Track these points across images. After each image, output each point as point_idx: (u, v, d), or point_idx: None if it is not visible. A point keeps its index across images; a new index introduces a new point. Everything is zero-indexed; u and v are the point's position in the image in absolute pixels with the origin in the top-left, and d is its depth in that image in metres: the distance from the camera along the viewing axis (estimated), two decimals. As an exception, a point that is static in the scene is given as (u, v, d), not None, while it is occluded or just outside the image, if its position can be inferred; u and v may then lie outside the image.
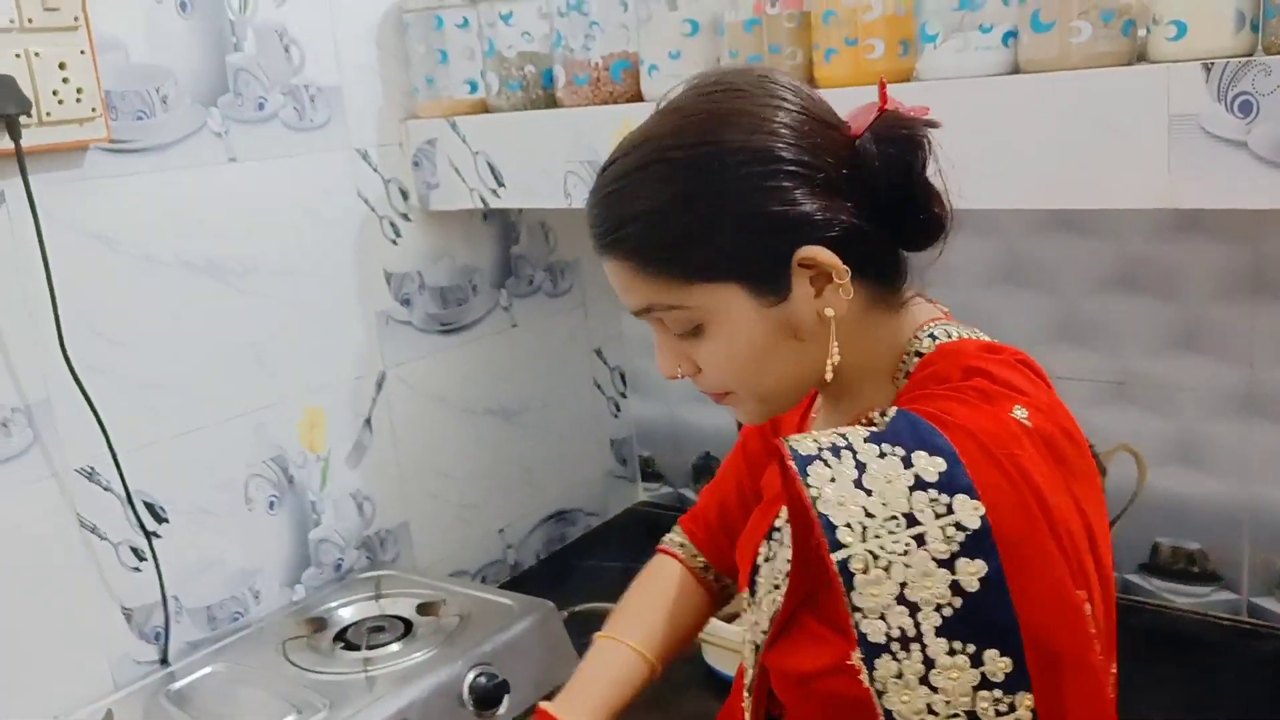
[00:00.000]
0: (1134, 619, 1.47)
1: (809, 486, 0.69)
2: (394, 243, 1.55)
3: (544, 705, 0.97)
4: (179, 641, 1.31)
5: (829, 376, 0.80)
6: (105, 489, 1.24)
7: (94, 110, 1.18)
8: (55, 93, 1.14)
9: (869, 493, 0.69)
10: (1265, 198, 0.93)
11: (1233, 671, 1.37)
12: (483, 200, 1.49)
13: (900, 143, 0.78)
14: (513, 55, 1.43)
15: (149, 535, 1.27)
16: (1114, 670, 0.80)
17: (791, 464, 0.70)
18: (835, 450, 0.71)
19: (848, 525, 0.68)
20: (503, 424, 1.72)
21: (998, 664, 0.67)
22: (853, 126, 0.79)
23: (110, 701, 1.21)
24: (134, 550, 1.27)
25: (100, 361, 1.22)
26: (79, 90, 1.16)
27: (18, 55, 1.11)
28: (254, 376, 1.39)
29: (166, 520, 1.30)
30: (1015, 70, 1.07)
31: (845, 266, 0.77)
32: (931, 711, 0.67)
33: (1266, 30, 0.95)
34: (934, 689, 0.67)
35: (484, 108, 1.49)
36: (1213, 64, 0.93)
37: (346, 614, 1.39)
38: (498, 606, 1.37)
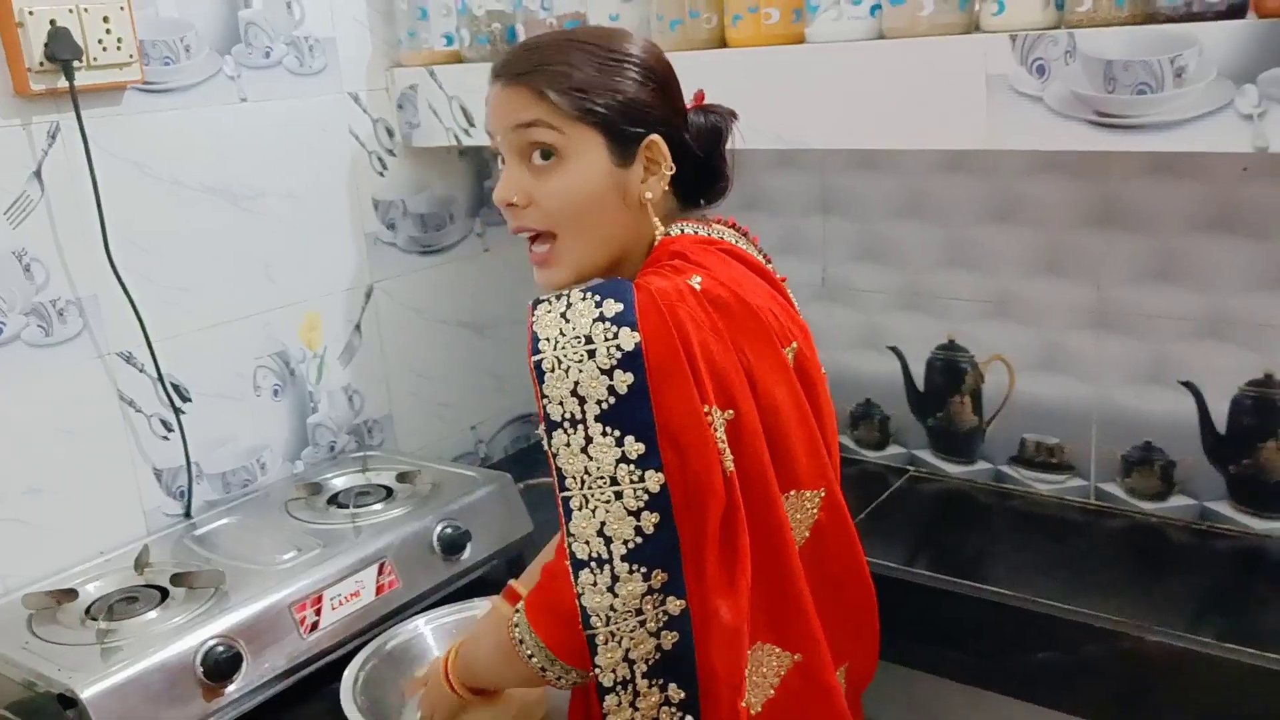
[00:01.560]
0: (1007, 503, 1.72)
1: (534, 314, 0.98)
2: (381, 174, 1.80)
3: (512, 582, 1.25)
4: (199, 500, 1.59)
5: (656, 241, 1.07)
6: (140, 370, 1.50)
7: (131, 57, 1.43)
8: (100, 41, 1.39)
9: (566, 320, 0.96)
10: (1056, 141, 1.19)
11: (1084, 544, 1.59)
12: (457, 138, 1.74)
13: (713, 118, 1.10)
14: (482, 14, 1.68)
15: (176, 411, 1.54)
16: (832, 484, 1.08)
17: (530, 303, 0.99)
18: (559, 296, 0.99)
19: (546, 339, 0.96)
20: (475, 336, 1.99)
21: (634, 447, 0.94)
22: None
23: (144, 542, 1.49)
24: (163, 422, 1.54)
25: (137, 265, 1.48)
26: (119, 40, 1.41)
27: (70, 10, 1.36)
28: (261, 284, 1.65)
29: (190, 400, 1.56)
30: (880, 36, 1.32)
31: (672, 166, 1.06)
32: (587, 473, 0.95)
33: (1067, 8, 1.20)
34: (590, 458, 0.95)
35: (458, 58, 1.74)
36: (1017, 35, 1.18)
37: (338, 482, 1.66)
38: (464, 478, 1.64)
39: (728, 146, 1.12)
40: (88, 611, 1.33)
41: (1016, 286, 1.67)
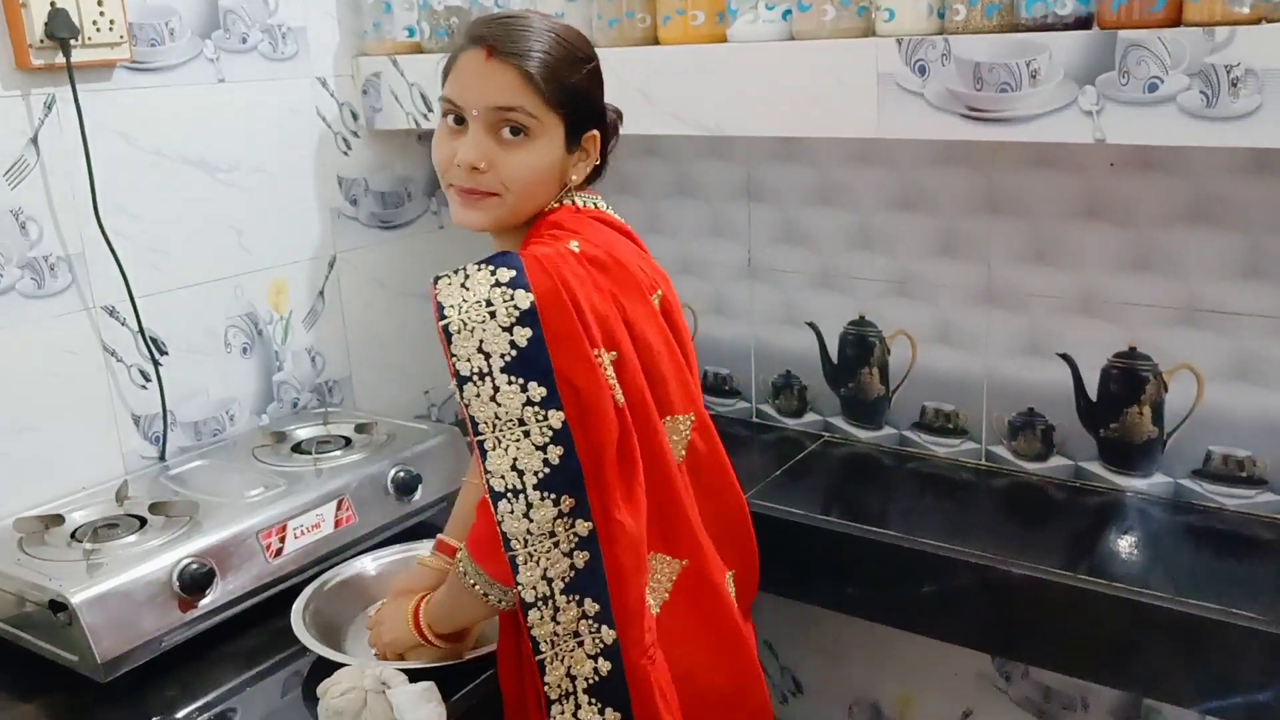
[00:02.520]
0: (909, 465, 1.91)
1: (436, 288, 1.13)
2: (345, 154, 1.96)
3: (440, 535, 1.41)
4: (173, 446, 1.74)
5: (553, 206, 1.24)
6: (122, 324, 1.65)
7: (121, 37, 1.58)
8: (94, 22, 1.54)
9: (466, 289, 1.12)
10: (934, 131, 1.38)
11: (978, 501, 1.78)
12: (416, 122, 1.91)
13: (611, 117, 1.26)
14: (441, 9, 1.84)
15: (154, 362, 1.69)
16: (700, 409, 1.27)
17: (432, 279, 1.14)
18: (456, 270, 1.14)
19: (451, 305, 1.11)
20: (430, 306, 2.14)
21: (537, 391, 1.10)
22: None
23: (124, 478, 1.64)
24: (142, 372, 1.69)
25: (122, 227, 1.63)
26: (111, 21, 1.56)
27: (68, -6, 1.51)
28: (233, 250, 1.80)
29: (166, 353, 1.71)
30: (790, 38, 1.51)
31: (598, 158, 1.23)
32: (496, 417, 1.11)
33: (946, 17, 1.39)
34: (499, 404, 1.11)
35: (419, 49, 1.91)
36: (903, 40, 1.37)
37: (302, 432, 1.82)
38: (417, 430, 1.80)
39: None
40: (74, 535, 1.47)
41: (917, 267, 1.85)
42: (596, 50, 1.24)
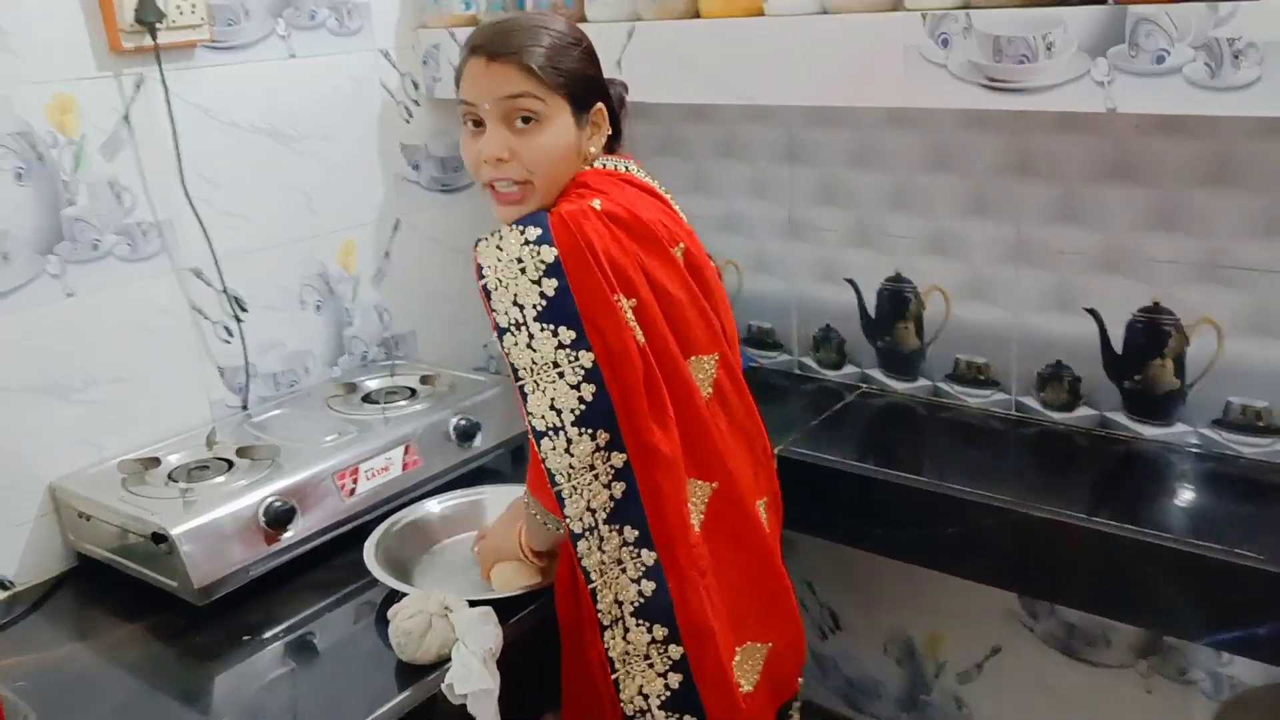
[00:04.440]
0: (942, 414, 1.99)
1: (476, 250, 1.25)
2: (407, 122, 2.08)
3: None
4: (254, 395, 1.89)
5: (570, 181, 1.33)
6: (207, 285, 1.80)
7: (202, 19, 1.70)
8: (178, 6, 1.66)
9: (500, 250, 1.24)
10: (956, 100, 1.46)
11: (1008, 448, 1.87)
12: (473, 91, 2.01)
13: (618, 89, 1.36)
14: (496, -16, 1.95)
15: (237, 319, 1.83)
16: (724, 349, 1.36)
17: (473, 243, 1.26)
18: (492, 233, 1.26)
19: (488, 265, 1.24)
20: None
21: (567, 334, 1.23)
22: None
23: (212, 425, 1.79)
24: (226, 329, 1.83)
25: (205, 195, 1.77)
26: (193, 5, 1.68)
27: (154, -19, 1.64)
28: (305, 214, 1.94)
29: (247, 310, 1.86)
30: (824, 11, 1.59)
31: (609, 129, 1.33)
32: (533, 363, 1.23)
33: (964, -10, 1.46)
34: (534, 350, 1.23)
35: (475, 21, 2.01)
36: (927, 14, 1.45)
37: (371, 383, 1.96)
38: (477, 381, 1.93)
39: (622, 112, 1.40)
40: (170, 475, 1.63)
41: (950, 226, 1.93)
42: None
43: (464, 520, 1.67)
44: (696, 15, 1.71)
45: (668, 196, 1.43)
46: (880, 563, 1.92)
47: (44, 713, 1.33)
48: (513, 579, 1.46)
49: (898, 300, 2.03)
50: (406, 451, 1.73)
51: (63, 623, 1.55)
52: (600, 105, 1.33)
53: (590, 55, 1.33)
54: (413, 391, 1.90)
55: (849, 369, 2.14)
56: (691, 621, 1.29)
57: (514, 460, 1.88)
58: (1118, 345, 1.80)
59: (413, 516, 1.67)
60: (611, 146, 1.40)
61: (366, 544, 1.56)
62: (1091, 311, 1.81)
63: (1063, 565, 1.62)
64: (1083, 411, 1.87)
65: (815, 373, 2.19)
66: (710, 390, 1.36)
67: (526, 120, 1.27)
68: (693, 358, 1.33)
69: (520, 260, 1.23)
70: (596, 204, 1.27)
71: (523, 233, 1.24)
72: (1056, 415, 1.90)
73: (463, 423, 1.80)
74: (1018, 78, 1.40)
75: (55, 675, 1.41)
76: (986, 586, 1.75)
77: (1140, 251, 1.73)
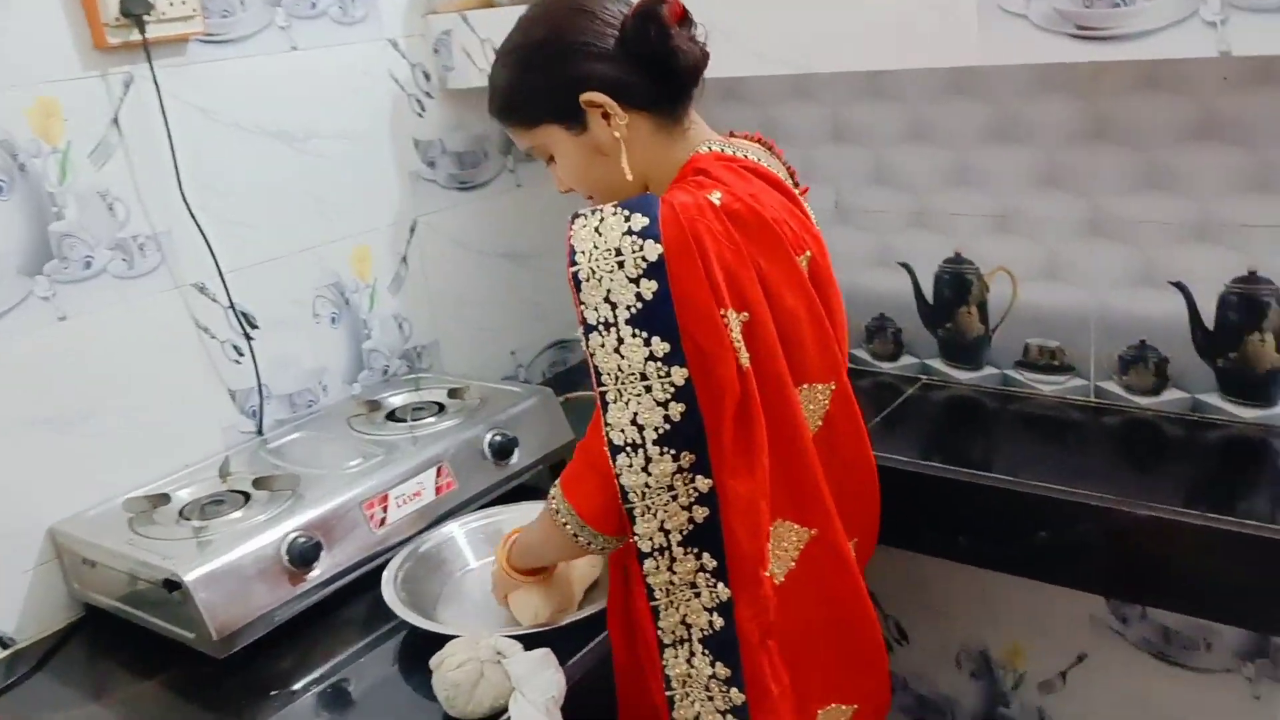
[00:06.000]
0: (1012, 405, 1.85)
1: (571, 229, 1.10)
2: (420, 115, 1.93)
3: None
4: (269, 418, 1.74)
5: (629, 178, 1.19)
6: (213, 300, 1.65)
7: (194, 10, 1.56)
8: (167, -3, 1.52)
9: (599, 234, 1.08)
10: (1041, 54, 1.30)
11: (1085, 438, 1.73)
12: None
13: (638, 19, 1.16)
14: (511, -39, 1.80)
15: (246, 337, 1.69)
16: (841, 378, 1.22)
17: (570, 218, 1.11)
18: (593, 212, 1.10)
19: (582, 252, 1.08)
20: (513, 265, 2.12)
21: (660, 346, 1.06)
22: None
23: (225, 454, 1.64)
24: (235, 348, 1.69)
25: (206, 203, 1.62)
26: (183, -5, 1.54)
27: (139, -32, 1.49)
28: (315, 219, 1.79)
29: (257, 327, 1.71)
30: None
31: (618, 103, 1.17)
32: (620, 370, 1.08)
33: (1051, -67, 1.31)
34: (622, 356, 1.08)
35: (489, 3, 1.86)
36: (1007, -38, 1.30)
37: (395, 400, 1.81)
38: (510, 393, 1.78)
39: (670, 38, 1.16)
40: (181, 513, 1.49)
41: (1016, 201, 1.78)
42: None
43: (489, 543, 1.53)
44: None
45: (796, 192, 1.27)
46: (951, 569, 1.77)
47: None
48: (541, 608, 1.32)
49: (958, 283, 1.89)
50: (439, 473, 1.58)
51: (71, 682, 1.41)
52: (585, 95, 1.17)
53: (552, 55, 1.18)
54: (441, 407, 1.75)
55: (907, 360, 1.99)
56: (754, 674, 1.15)
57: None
58: (1209, 321, 1.66)
59: (431, 543, 1.52)
60: (666, 100, 1.21)
61: (384, 585, 1.41)
62: (1178, 285, 1.67)
63: (1162, 566, 1.49)
64: (1171, 395, 1.73)
65: (870, 366, 2.04)
66: (820, 423, 1.21)
67: (550, 159, 1.26)
68: (804, 385, 1.18)
69: (619, 252, 1.07)
70: (716, 197, 1.11)
71: (627, 219, 1.08)
72: (1142, 400, 1.76)
73: (498, 438, 1.65)
74: (1112, 24, 1.24)
75: (64, 744, 1.27)
76: (1067, 591, 1.62)
77: (1232, 217, 1.59)
